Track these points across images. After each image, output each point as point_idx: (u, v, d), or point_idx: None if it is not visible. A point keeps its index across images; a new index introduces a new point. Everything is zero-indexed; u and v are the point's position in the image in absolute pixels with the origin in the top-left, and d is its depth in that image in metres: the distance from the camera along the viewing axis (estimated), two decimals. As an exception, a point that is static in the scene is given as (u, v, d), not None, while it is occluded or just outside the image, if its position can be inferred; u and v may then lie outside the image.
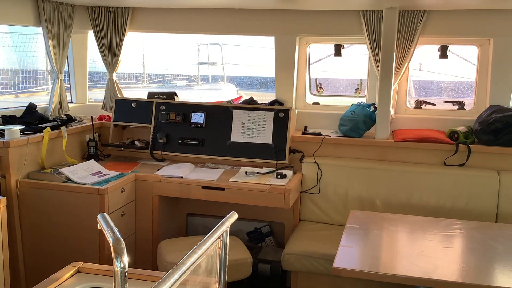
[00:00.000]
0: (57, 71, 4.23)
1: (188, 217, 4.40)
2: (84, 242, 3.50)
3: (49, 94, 4.34)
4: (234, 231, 4.17)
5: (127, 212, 3.74)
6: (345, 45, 4.47)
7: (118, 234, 1.32)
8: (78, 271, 2.12)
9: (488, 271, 2.60)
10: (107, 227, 1.38)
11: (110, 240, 1.30)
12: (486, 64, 4.11)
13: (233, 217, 1.76)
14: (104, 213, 1.49)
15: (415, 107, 4.40)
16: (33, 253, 3.64)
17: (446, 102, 4.42)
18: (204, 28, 4.54)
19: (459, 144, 3.87)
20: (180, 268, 1.29)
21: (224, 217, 1.76)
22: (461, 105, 4.31)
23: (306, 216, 4.11)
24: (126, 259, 1.26)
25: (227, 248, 1.74)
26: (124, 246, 1.27)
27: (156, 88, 9.67)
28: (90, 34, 4.72)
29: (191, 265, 1.36)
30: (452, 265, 2.65)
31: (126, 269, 1.26)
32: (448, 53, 4.22)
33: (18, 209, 3.58)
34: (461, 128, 3.98)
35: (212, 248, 1.62)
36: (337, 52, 4.45)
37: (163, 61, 10.21)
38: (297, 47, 4.39)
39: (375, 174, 3.94)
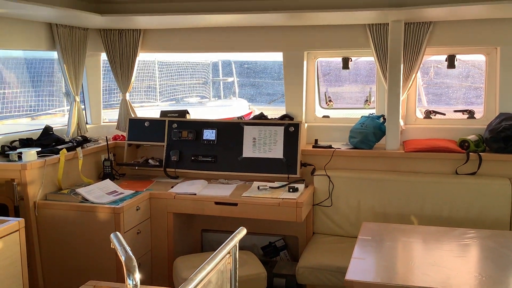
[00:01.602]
0: (74, 94, 4.35)
1: (203, 233, 4.45)
2: (101, 260, 3.56)
3: (66, 116, 4.45)
4: (248, 246, 4.21)
5: (143, 230, 3.80)
6: (353, 58, 4.52)
7: (130, 252, 1.38)
8: (94, 289, 2.17)
9: (502, 280, 2.59)
10: (120, 245, 1.44)
11: (122, 258, 1.35)
12: (494, 72, 4.11)
13: (241, 232, 1.80)
14: (117, 232, 1.54)
15: (424, 117, 4.41)
16: (51, 273, 3.72)
17: (455, 111, 4.43)
18: (213, 47, 4.63)
19: (470, 153, 3.87)
20: (189, 285, 1.33)
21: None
22: (470, 113, 4.31)
23: (320, 229, 4.13)
24: (138, 276, 1.31)
25: (237, 263, 1.79)
26: (136, 264, 1.33)
27: (169, 106, 9.78)
28: (103, 56, 4.84)
29: (201, 281, 1.41)
30: (466, 275, 2.63)
31: (138, 286, 1.31)
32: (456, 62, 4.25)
33: (36, 230, 3.66)
34: (471, 137, 3.98)
35: (222, 263, 1.67)
36: (345, 65, 4.50)
37: (175, 79, 10.35)
38: (305, 62, 4.45)
39: (387, 185, 3.95)
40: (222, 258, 1.61)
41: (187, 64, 10.55)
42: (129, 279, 1.30)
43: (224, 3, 4.00)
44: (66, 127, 4.43)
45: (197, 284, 1.39)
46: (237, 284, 1.82)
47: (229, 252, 1.70)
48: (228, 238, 1.73)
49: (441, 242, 3.12)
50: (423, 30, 4.03)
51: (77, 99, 4.38)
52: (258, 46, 4.57)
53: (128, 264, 1.31)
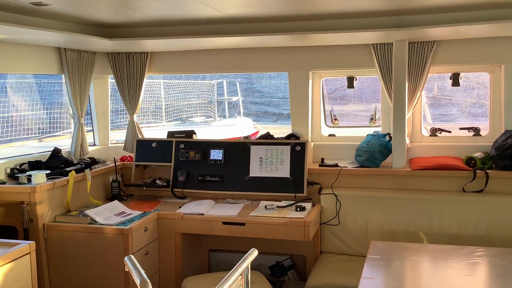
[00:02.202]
0: (79, 116, 4.40)
1: (210, 253, 4.45)
2: (110, 281, 3.56)
3: (71, 138, 4.50)
4: (255, 265, 4.20)
5: (151, 250, 3.81)
6: (357, 77, 4.56)
7: (144, 275, 1.39)
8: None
9: (513, 298, 2.58)
10: (134, 269, 1.45)
11: (137, 281, 1.37)
12: (499, 89, 4.14)
13: (253, 253, 1.82)
14: (131, 255, 1.56)
15: (430, 135, 4.43)
16: (61, 295, 3.72)
17: (461, 128, 4.44)
18: (219, 68, 4.69)
19: (477, 170, 3.87)
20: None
21: (246, 252, 1.82)
22: (476, 131, 4.33)
23: (327, 248, 4.13)
24: (152, 299, 1.33)
25: (249, 285, 1.80)
26: (151, 287, 1.34)
27: (175, 126, 9.85)
28: (111, 78, 4.90)
29: (215, 303, 1.42)
30: (475, 294, 2.64)
31: None
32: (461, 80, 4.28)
33: (45, 252, 3.67)
34: (477, 154, 3.99)
35: (234, 285, 1.68)
36: (350, 84, 4.54)
37: (181, 99, 10.44)
38: (310, 81, 4.49)
39: (394, 203, 3.96)
40: (235, 280, 1.62)
41: (192, 84, 10.66)
42: (145, 302, 1.31)
43: (229, 26, 4.07)
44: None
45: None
46: (248, 305, 1.82)
47: (241, 274, 1.71)
48: (237, 258, 1.74)
49: (449, 260, 3.11)
50: (427, 49, 4.07)
51: (82, 121, 4.43)
52: (263, 67, 4.63)
53: (143, 287, 1.33)
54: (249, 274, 1.79)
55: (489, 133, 4.24)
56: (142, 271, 1.42)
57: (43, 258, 3.66)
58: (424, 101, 4.66)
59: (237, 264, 1.67)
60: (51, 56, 4.17)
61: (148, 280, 1.36)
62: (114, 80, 4.80)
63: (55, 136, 5.96)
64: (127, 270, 1.50)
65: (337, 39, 4.03)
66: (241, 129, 9.59)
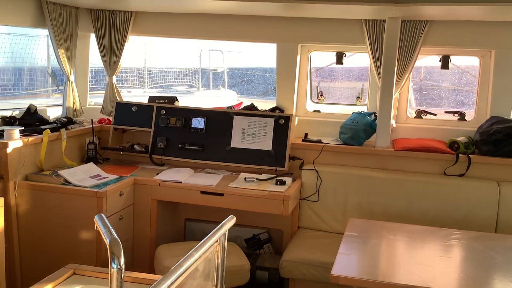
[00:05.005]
0: (68, 74, 4.25)
1: (186, 222, 4.38)
2: (81, 244, 3.48)
3: (52, 98, 4.35)
4: (232, 237, 4.15)
5: (125, 216, 3.73)
6: (347, 54, 4.48)
7: (115, 235, 1.31)
8: (74, 273, 2.11)
9: (487, 281, 2.59)
10: (104, 228, 1.37)
11: (107, 241, 1.29)
12: (488, 75, 4.11)
13: (231, 220, 1.75)
14: (102, 214, 1.48)
15: (415, 117, 4.39)
16: (30, 255, 3.62)
17: (446, 112, 4.42)
18: (206, 33, 4.55)
19: (460, 154, 3.86)
20: (177, 271, 1.28)
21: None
22: (461, 115, 4.31)
23: (305, 223, 4.10)
24: (123, 260, 1.25)
25: (225, 252, 1.73)
26: (121, 247, 1.26)
27: (157, 93, 9.66)
28: (92, 38, 4.72)
29: (188, 268, 1.35)
30: (451, 275, 2.64)
31: (123, 271, 1.25)
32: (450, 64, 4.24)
33: (16, 210, 3.56)
34: (461, 138, 3.98)
35: (210, 251, 1.61)
36: (339, 61, 4.46)
37: (164, 66, 10.21)
38: (298, 55, 4.40)
39: (375, 182, 3.93)
40: (211, 246, 1.55)
41: (176, 51, 10.44)
42: (114, 263, 1.23)
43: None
44: (58, 108, 4.34)
45: (184, 271, 1.33)
46: (224, 273, 1.76)
47: (217, 241, 1.64)
48: (214, 228, 1.67)
49: (426, 241, 3.12)
50: (419, 29, 4.00)
51: (71, 78, 4.28)
52: (251, 36, 4.50)
53: (113, 247, 1.25)
54: (226, 241, 1.72)
55: (474, 118, 4.23)
56: (113, 230, 1.34)
57: (13, 216, 3.54)
58: (410, 85, 4.61)
59: (214, 230, 1.60)
60: (31, 8, 3.97)
61: (118, 239, 1.28)
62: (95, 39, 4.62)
63: (30, 94, 5.76)
64: (97, 229, 1.41)
65: (329, 11, 3.92)
66: (224, 100, 9.47)
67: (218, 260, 1.72)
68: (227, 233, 1.71)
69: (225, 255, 1.74)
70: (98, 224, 1.43)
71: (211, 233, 1.60)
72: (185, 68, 10.55)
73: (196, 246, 1.46)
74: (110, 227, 1.38)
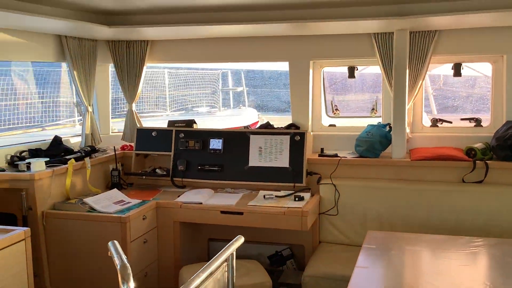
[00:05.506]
0: (86, 104, 4.42)
1: (209, 242, 4.46)
2: (108, 269, 3.57)
3: (77, 127, 4.52)
4: (255, 255, 4.21)
5: (149, 239, 3.83)
6: (359, 67, 4.53)
7: (125, 260, 1.39)
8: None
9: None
10: (116, 253, 1.46)
11: (117, 266, 1.37)
12: (501, 80, 4.09)
13: (239, 240, 1.81)
14: (115, 241, 1.56)
15: (431, 126, 4.39)
16: (59, 282, 3.74)
17: (462, 119, 4.40)
18: (221, 56, 4.67)
19: (477, 161, 3.84)
20: (184, 292, 1.35)
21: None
22: (477, 121, 4.29)
23: (326, 237, 4.12)
24: (132, 285, 1.33)
25: (234, 271, 1.80)
26: (131, 271, 1.34)
27: (179, 115, 9.85)
28: (111, 67, 4.90)
29: (196, 289, 1.42)
30: (473, 284, 2.58)
31: None
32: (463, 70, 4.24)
33: (44, 239, 3.70)
34: (478, 145, 3.95)
35: (219, 272, 1.68)
36: (351, 74, 4.51)
37: (184, 88, 10.42)
38: (311, 71, 4.47)
39: (393, 193, 3.93)
40: (219, 267, 1.62)
41: (196, 74, 10.62)
42: (124, 287, 1.31)
43: (230, 14, 4.04)
44: (79, 137, 4.51)
45: (193, 292, 1.40)
46: (234, 292, 1.83)
47: (226, 260, 1.71)
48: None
49: (447, 250, 3.08)
50: (428, 39, 4.02)
51: (90, 109, 4.45)
52: (264, 56, 4.61)
53: (122, 272, 1.33)
54: (234, 260, 1.79)
55: (491, 124, 4.20)
56: (124, 256, 1.42)
57: (42, 245, 3.68)
58: (430, 92, 4.63)
59: (221, 251, 1.67)
60: (52, 43, 4.17)
61: (128, 265, 1.36)
62: (114, 69, 4.80)
63: (57, 125, 5.98)
64: (110, 255, 1.50)
65: (338, 28, 3.99)
66: (245, 119, 9.57)
67: (227, 280, 1.78)
68: (235, 252, 1.78)
69: (234, 274, 1.81)
70: (111, 250, 1.52)
71: (219, 253, 1.67)
72: (205, 88, 10.74)
73: (202, 268, 1.53)
74: (121, 253, 1.46)
